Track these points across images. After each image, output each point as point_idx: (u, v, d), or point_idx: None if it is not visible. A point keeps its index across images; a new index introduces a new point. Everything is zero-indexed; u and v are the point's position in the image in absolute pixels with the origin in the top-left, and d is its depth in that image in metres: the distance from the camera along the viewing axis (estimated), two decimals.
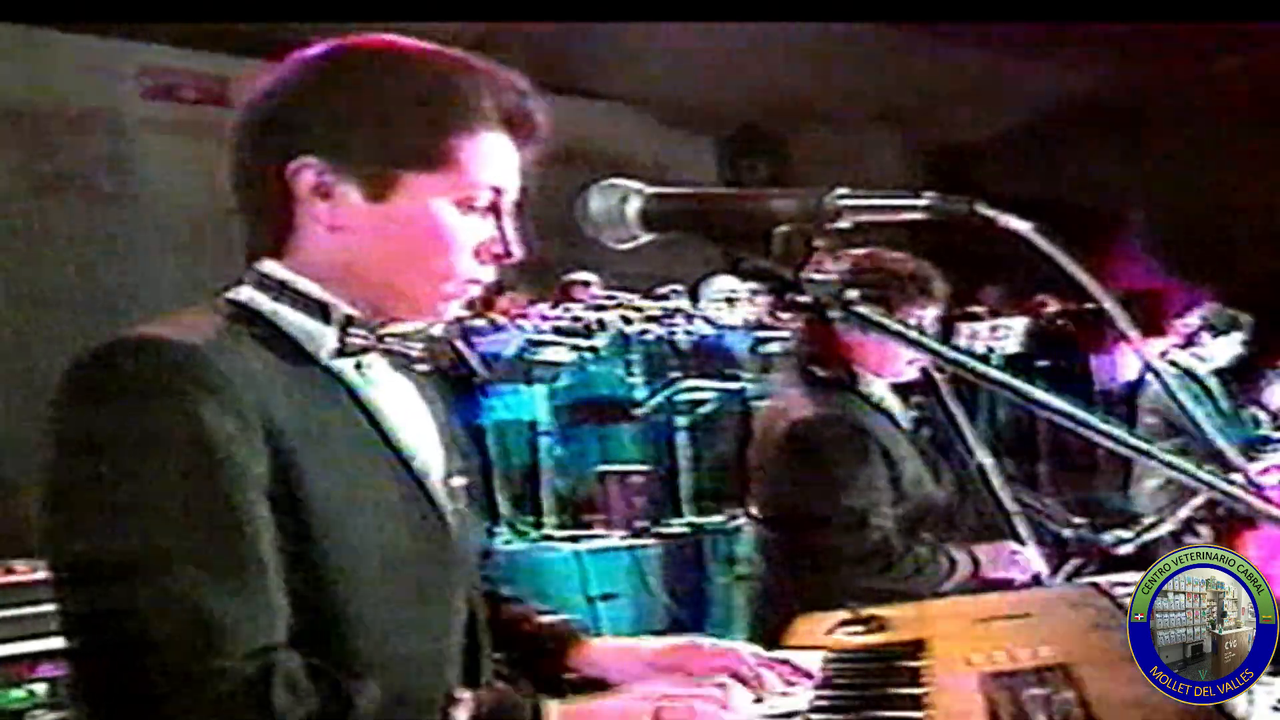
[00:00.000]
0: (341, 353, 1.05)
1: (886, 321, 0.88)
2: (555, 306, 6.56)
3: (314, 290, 1.05)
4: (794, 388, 2.44)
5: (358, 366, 1.07)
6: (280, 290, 1.05)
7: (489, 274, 1.10)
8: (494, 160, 1.07)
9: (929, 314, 2.38)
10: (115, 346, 0.92)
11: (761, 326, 6.85)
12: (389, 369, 1.11)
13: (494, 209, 1.08)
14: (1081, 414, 0.82)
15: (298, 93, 1.04)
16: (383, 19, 0.99)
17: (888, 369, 2.38)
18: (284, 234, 1.05)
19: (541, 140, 1.11)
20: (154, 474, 0.88)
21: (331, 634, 0.96)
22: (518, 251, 1.09)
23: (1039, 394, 0.84)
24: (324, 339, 1.05)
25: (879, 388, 2.41)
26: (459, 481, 1.14)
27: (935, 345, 0.93)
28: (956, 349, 0.94)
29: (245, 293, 1.06)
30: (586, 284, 6.67)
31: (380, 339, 1.08)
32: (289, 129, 1.03)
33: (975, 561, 2.30)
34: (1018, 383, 0.84)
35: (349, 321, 1.06)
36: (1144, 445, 0.85)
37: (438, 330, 1.11)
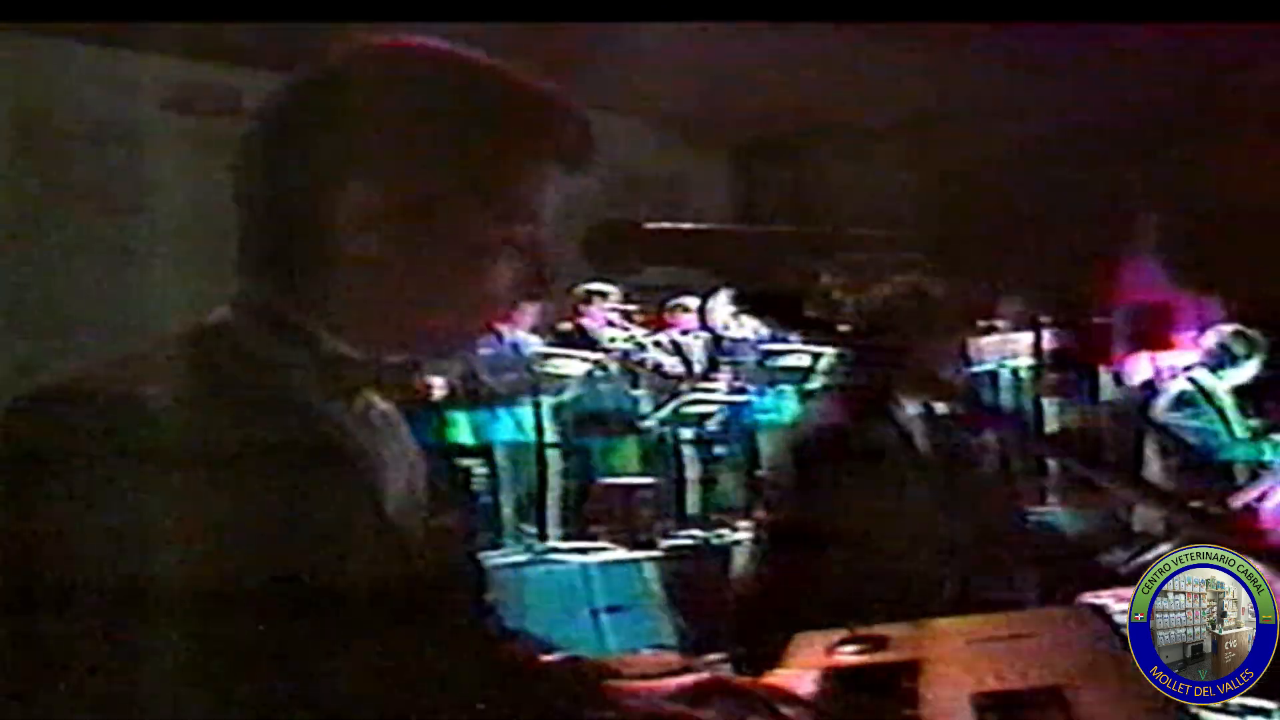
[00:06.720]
0: (333, 394, 0.96)
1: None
2: (569, 319, 6.55)
3: (306, 323, 0.94)
4: (830, 397, 2.42)
5: (347, 403, 0.98)
6: (271, 322, 0.94)
7: (512, 309, 1.02)
8: (544, 194, 0.98)
9: (971, 342, 2.33)
10: (35, 399, 0.86)
11: (770, 340, 6.85)
12: (379, 401, 1.03)
13: (532, 243, 0.98)
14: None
15: (331, 102, 0.93)
16: (385, 20, 0.98)
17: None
18: (291, 258, 0.94)
19: (589, 172, 1.00)
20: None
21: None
22: (548, 289, 1.00)
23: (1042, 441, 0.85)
24: (309, 378, 0.94)
25: (910, 410, 2.35)
26: (446, 519, 1.06)
27: (945, 382, 0.93)
28: (974, 382, 0.94)
29: (227, 318, 0.95)
30: (605, 295, 6.67)
31: (379, 376, 0.99)
32: (318, 144, 0.92)
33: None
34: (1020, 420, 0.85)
35: (340, 360, 0.95)
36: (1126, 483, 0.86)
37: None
